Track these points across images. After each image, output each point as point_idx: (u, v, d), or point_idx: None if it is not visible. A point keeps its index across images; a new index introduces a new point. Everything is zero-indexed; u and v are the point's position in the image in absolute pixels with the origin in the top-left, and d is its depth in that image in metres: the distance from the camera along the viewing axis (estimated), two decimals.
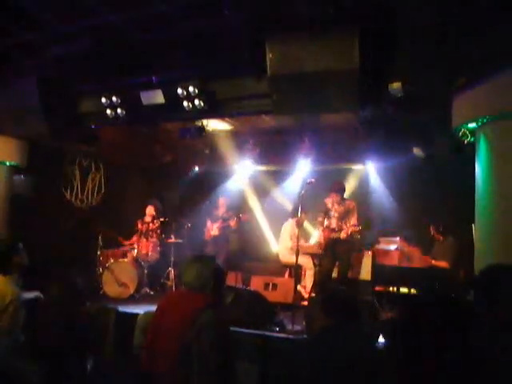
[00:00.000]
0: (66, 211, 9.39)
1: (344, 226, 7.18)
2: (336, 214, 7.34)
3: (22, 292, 4.02)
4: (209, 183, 10.27)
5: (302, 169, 9.06)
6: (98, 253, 8.25)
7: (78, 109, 7.11)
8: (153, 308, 4.53)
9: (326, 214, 7.43)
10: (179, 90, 6.03)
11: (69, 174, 9.58)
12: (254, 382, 3.34)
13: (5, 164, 7.89)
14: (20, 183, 8.70)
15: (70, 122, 7.12)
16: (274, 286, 7.61)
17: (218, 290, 3.06)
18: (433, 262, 7.27)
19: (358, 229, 7.13)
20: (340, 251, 7.23)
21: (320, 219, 7.51)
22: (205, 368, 2.66)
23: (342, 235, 7.14)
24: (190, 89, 5.97)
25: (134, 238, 8.58)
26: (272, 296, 6.94)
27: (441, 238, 7.46)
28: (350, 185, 9.02)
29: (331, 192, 7.38)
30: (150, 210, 8.67)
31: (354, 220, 7.21)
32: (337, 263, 7.29)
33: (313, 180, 7.05)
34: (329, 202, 7.47)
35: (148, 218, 8.65)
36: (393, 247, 7.79)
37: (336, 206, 7.37)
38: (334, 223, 7.30)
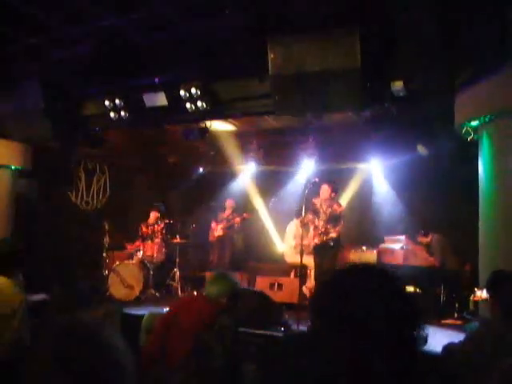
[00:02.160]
0: (72, 213, 9.43)
1: (330, 230, 7.20)
2: (324, 217, 7.32)
3: (25, 295, 4.03)
4: (213, 184, 10.28)
5: (306, 169, 9.05)
6: (104, 255, 8.28)
7: (81, 112, 7.15)
8: (158, 309, 4.59)
9: (315, 213, 7.42)
10: (181, 92, 6.05)
11: (74, 176, 9.62)
12: (258, 383, 3.36)
13: (9, 168, 7.94)
14: (25, 186, 8.74)
15: (73, 125, 7.16)
16: (280, 286, 7.61)
17: (232, 301, 3.35)
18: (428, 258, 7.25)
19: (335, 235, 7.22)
20: (325, 256, 7.26)
21: (310, 217, 7.51)
22: (226, 364, 2.82)
23: (326, 239, 7.20)
24: (193, 90, 5.99)
25: (137, 243, 8.58)
26: (277, 296, 6.95)
27: (427, 239, 7.44)
28: (355, 184, 9.02)
29: (323, 184, 7.35)
30: (153, 215, 8.67)
31: (337, 226, 7.24)
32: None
33: (317, 180, 7.05)
34: (317, 201, 7.44)
35: (152, 221, 8.66)
36: (398, 246, 7.77)
37: (324, 207, 7.34)
38: (321, 225, 7.30)
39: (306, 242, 7.58)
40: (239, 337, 3.12)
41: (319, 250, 7.29)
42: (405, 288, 1.24)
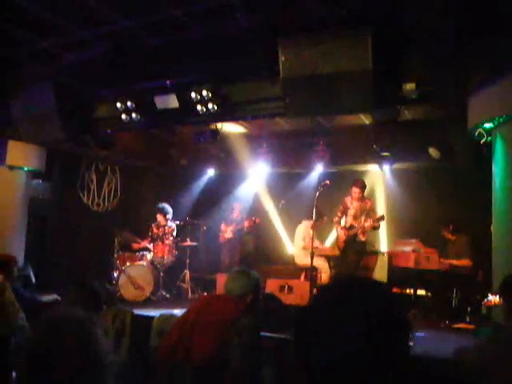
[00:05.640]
0: (83, 215, 9.49)
1: (358, 225, 7.20)
2: (353, 212, 7.36)
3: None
4: (223, 186, 10.30)
5: (317, 171, 9.03)
6: (115, 256, 8.31)
7: (93, 114, 7.19)
8: (169, 311, 4.59)
9: (344, 212, 7.46)
10: (193, 94, 6.06)
11: (86, 178, 9.69)
12: None
13: (23, 169, 8.02)
14: (38, 188, 8.82)
15: (86, 127, 7.21)
16: (290, 289, 7.58)
17: (255, 300, 3.30)
18: (454, 261, 7.12)
19: (369, 225, 7.17)
20: (350, 251, 7.27)
21: (337, 218, 7.53)
22: (244, 364, 2.81)
23: (354, 232, 7.20)
24: (204, 93, 5.99)
25: (147, 241, 8.61)
26: (288, 298, 6.92)
27: (452, 237, 7.34)
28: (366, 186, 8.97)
29: (353, 186, 7.42)
30: (159, 217, 8.68)
31: (368, 220, 7.22)
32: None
33: (327, 182, 7.04)
34: (348, 199, 7.50)
35: (162, 222, 8.68)
36: (409, 249, 7.71)
37: (355, 204, 7.39)
38: (349, 221, 7.33)
39: (317, 245, 7.59)
40: (260, 338, 3.09)
41: (346, 244, 7.30)
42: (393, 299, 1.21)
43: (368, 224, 7.25)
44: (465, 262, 7.07)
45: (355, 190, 7.41)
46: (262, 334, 4.68)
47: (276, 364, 4.35)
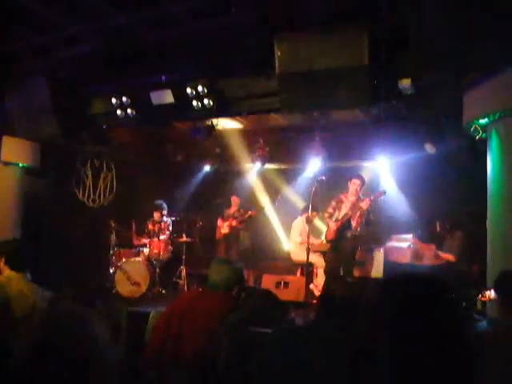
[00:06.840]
0: (79, 211, 9.46)
1: (351, 220, 7.14)
2: (348, 205, 7.27)
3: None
4: (219, 182, 10.29)
5: (313, 167, 9.02)
6: (111, 252, 8.30)
7: (89, 109, 7.17)
8: (164, 307, 4.56)
9: (337, 208, 7.34)
10: (188, 90, 6.05)
11: (81, 174, 9.65)
12: (264, 381, 3.36)
13: (17, 165, 7.98)
14: (33, 184, 8.77)
15: (81, 123, 7.18)
16: (286, 285, 7.60)
17: (241, 292, 3.23)
18: (439, 254, 7.15)
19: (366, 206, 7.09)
20: (343, 245, 7.20)
21: (327, 214, 7.39)
22: (235, 362, 2.80)
23: (346, 219, 7.13)
24: (199, 88, 5.99)
25: (144, 239, 8.60)
26: (284, 294, 6.92)
27: (448, 235, 7.33)
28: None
29: (353, 178, 7.26)
30: (156, 215, 8.66)
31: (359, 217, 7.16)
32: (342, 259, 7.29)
33: (323, 178, 7.03)
34: (343, 196, 7.38)
35: (158, 218, 8.67)
36: (405, 245, 7.73)
37: (350, 198, 7.23)
38: (342, 214, 7.22)
39: (312, 241, 7.58)
40: (251, 335, 3.06)
41: (338, 234, 7.25)
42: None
43: (364, 204, 7.05)
44: (449, 257, 7.07)
45: (355, 182, 7.20)
46: (257, 329, 4.68)
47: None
